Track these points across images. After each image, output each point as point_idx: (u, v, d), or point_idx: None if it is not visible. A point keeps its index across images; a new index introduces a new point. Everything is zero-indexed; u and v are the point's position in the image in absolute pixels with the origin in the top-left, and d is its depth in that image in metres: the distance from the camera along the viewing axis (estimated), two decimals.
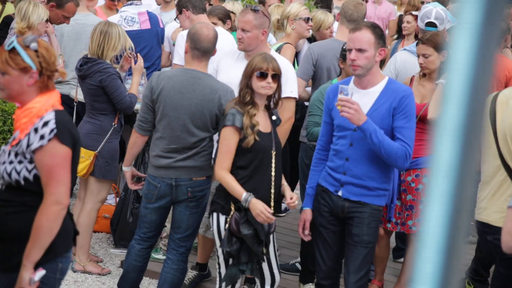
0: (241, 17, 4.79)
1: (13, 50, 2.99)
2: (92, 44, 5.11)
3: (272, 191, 4.11)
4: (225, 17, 6.10)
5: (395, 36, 8.91)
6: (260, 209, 3.93)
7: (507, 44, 6.38)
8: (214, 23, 5.87)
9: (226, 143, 4.02)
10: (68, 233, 3.19)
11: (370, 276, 4.93)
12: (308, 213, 4.18)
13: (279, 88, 4.10)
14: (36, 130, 2.99)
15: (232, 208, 4.03)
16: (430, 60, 4.81)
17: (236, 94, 4.20)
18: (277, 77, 4.04)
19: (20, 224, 3.02)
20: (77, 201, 5.49)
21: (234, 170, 4.05)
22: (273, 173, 4.10)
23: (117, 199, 6.03)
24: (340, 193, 4.04)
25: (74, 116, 5.76)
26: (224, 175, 4.01)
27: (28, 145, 2.98)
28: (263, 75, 3.99)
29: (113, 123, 5.23)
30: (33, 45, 3.02)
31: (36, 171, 3.02)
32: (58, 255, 3.10)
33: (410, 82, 4.91)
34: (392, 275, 5.44)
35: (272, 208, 4.07)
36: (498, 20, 0.77)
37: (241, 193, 3.96)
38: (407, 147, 3.87)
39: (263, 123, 4.09)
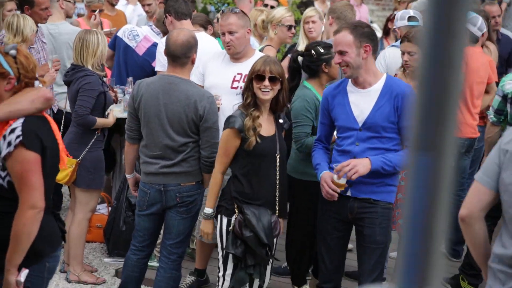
0: (224, 21, 4.77)
1: None
2: (74, 51, 5.18)
3: (277, 194, 4.08)
4: (206, 23, 6.15)
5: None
6: (206, 231, 4.16)
7: (484, 40, 6.39)
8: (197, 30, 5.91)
9: (224, 145, 4.04)
10: (53, 234, 3.21)
11: (384, 274, 4.92)
12: (328, 174, 3.97)
13: (284, 91, 4.06)
14: (4, 137, 3.01)
15: (236, 210, 4.01)
16: (416, 57, 4.78)
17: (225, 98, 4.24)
18: (277, 80, 3.98)
19: (0, 231, 3.03)
20: (69, 212, 5.47)
21: (237, 175, 4.02)
22: (277, 177, 4.07)
23: (109, 208, 6.02)
24: (348, 193, 3.94)
25: (62, 126, 5.73)
26: (215, 177, 4.08)
27: None
28: (261, 78, 3.95)
29: (96, 132, 5.20)
30: (12, 52, 3.06)
31: (9, 178, 3.03)
32: (44, 256, 3.14)
33: None
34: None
35: (277, 212, 4.08)
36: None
37: (209, 206, 4.12)
38: None
39: (266, 127, 4.04)
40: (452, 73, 0.75)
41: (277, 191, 4.08)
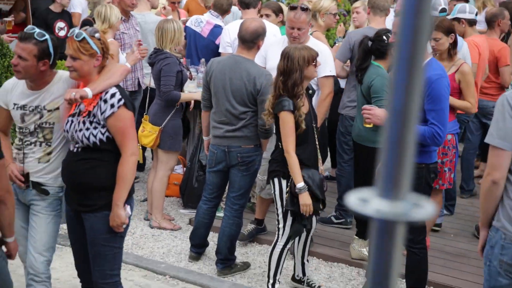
0: (296, 18, 4.87)
1: (82, 40, 3.29)
2: (156, 38, 5.45)
3: (319, 156, 4.29)
4: (278, 10, 6.29)
5: None
6: (307, 203, 4.06)
7: (503, 29, 6.47)
8: (268, 14, 6.09)
9: (287, 126, 4.05)
10: None
11: None
12: None
13: None
14: (105, 101, 3.30)
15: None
16: (441, 42, 4.88)
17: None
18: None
19: (99, 176, 3.36)
20: (151, 170, 5.79)
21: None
22: (317, 142, 4.26)
23: (184, 169, 6.34)
24: None
25: (148, 100, 6.06)
26: (292, 155, 4.05)
27: (101, 113, 3.30)
28: (316, 60, 4.12)
29: (176, 104, 5.46)
30: (97, 35, 3.35)
31: (108, 134, 3.32)
32: (131, 194, 3.46)
33: None
34: None
35: (321, 171, 4.27)
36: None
37: (299, 181, 4.04)
38: (435, 128, 3.77)
39: (305, 105, 4.18)
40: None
41: (319, 154, 4.28)
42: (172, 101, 5.36)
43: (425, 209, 0.84)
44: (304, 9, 4.90)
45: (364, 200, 0.85)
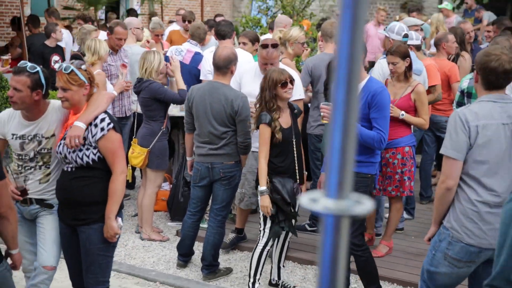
0: (268, 56, 4.92)
1: (71, 72, 3.38)
2: (139, 67, 5.51)
3: (296, 168, 4.37)
4: (255, 39, 6.36)
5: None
6: (264, 205, 4.22)
7: (448, 51, 6.65)
8: (245, 43, 6.19)
9: (262, 136, 4.23)
10: None
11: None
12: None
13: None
14: (95, 125, 3.36)
15: (268, 181, 4.26)
16: (398, 66, 5.04)
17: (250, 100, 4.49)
18: (293, 80, 4.31)
19: (93, 192, 3.42)
20: (141, 188, 5.83)
21: (271, 158, 4.28)
22: (295, 155, 4.35)
23: (171, 185, 6.38)
24: None
25: (135, 124, 6.10)
26: (261, 162, 4.23)
27: (92, 136, 3.37)
28: (285, 84, 4.22)
29: (162, 127, 5.54)
30: (83, 66, 3.45)
31: (99, 154, 3.39)
32: (122, 208, 3.53)
33: (385, 84, 5.14)
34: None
35: (298, 179, 4.35)
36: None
37: (262, 185, 4.21)
38: (381, 133, 4.01)
39: (286, 120, 4.29)
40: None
41: (296, 166, 4.37)
42: (185, 95, 5.30)
43: (365, 205, 0.93)
44: (274, 46, 4.97)
45: (314, 200, 0.91)
